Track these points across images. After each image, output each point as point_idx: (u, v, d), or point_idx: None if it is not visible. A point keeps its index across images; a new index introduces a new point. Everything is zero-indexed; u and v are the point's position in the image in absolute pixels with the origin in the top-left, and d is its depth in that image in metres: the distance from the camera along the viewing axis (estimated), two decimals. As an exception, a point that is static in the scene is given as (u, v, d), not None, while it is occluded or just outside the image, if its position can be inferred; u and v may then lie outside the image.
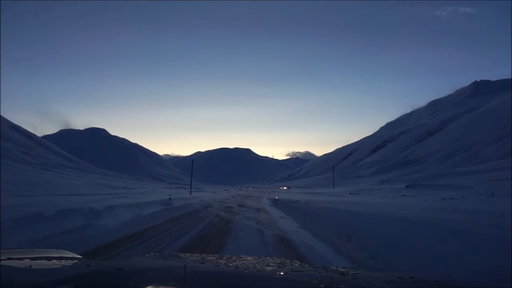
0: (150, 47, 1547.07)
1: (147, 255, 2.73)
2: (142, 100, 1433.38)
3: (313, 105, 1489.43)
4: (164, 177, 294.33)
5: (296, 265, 2.24)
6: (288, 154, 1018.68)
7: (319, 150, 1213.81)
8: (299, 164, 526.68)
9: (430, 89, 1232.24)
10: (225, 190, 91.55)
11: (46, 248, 2.40)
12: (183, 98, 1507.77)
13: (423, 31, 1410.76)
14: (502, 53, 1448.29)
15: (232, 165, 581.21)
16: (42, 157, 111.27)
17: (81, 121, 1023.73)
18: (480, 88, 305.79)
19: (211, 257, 2.44)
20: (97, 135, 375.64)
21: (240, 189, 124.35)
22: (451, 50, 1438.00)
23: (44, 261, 1.98)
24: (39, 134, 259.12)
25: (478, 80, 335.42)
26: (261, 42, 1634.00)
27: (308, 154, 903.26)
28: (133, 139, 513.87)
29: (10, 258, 1.90)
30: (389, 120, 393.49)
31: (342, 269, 1.95)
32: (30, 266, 1.74)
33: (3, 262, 1.78)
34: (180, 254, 2.68)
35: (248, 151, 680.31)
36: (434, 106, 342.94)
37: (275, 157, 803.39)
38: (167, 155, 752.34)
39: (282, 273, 1.90)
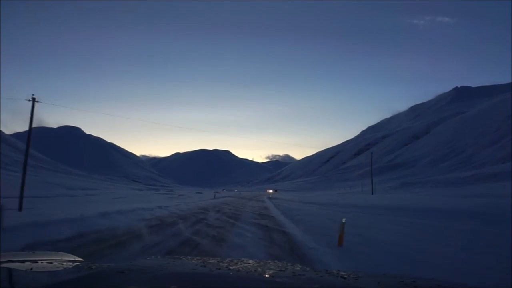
0: (130, 47, 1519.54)
1: (148, 258, 2.65)
2: (121, 99, 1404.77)
3: (293, 109, 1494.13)
4: (140, 178, 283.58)
5: (298, 268, 2.21)
6: (268, 157, 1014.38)
7: (298, 154, 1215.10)
8: (279, 167, 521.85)
9: (409, 94, 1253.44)
10: (197, 192, 72.89)
11: (47, 251, 2.39)
12: (162, 99, 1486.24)
13: (402, 38, 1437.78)
14: (479, 61, 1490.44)
15: (211, 167, 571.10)
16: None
17: (54, 119, 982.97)
18: (461, 94, 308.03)
19: (213, 260, 2.41)
20: (71, 134, 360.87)
21: (216, 192, 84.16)
22: (430, 57, 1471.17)
23: (45, 264, 1.98)
24: (9, 131, 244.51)
25: (459, 86, 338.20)
26: (242, 45, 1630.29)
27: (287, 157, 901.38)
28: (109, 139, 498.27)
29: (11, 261, 1.90)
30: (369, 125, 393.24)
31: (343, 273, 1.94)
32: (31, 269, 1.74)
33: (4, 265, 1.78)
34: (181, 257, 2.66)
35: (227, 153, 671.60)
36: (415, 111, 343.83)
37: (255, 160, 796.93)
38: (144, 156, 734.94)
39: (284, 277, 1.88)
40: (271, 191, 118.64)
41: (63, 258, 2.23)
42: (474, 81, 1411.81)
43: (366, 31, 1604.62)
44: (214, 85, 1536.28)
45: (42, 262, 1.99)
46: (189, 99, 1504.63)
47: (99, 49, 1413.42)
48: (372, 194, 53.25)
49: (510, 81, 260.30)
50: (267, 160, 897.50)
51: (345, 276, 1.84)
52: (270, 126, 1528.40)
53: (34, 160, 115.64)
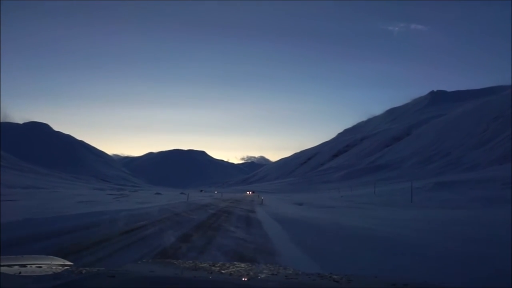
0: (104, 45, 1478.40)
1: (139, 262, 2.67)
2: (93, 97, 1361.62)
3: (268, 110, 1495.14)
4: (110, 178, 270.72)
5: (290, 272, 2.23)
6: (243, 158, 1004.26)
7: (274, 155, 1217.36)
8: (255, 169, 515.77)
9: (385, 98, 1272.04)
10: (157, 193, 60.70)
11: (36, 255, 2.34)
12: (136, 98, 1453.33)
13: (377, 43, 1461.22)
14: (453, 67, 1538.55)
15: (186, 167, 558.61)
16: None
17: (20, 115, 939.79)
18: (437, 98, 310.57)
19: (204, 264, 2.39)
20: (38, 130, 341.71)
21: (182, 193, 70.42)
22: (405, 62, 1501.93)
23: (34, 268, 1.92)
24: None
25: (435, 90, 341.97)
26: (217, 45, 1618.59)
27: (263, 159, 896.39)
28: (80, 137, 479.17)
29: None
30: (346, 127, 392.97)
31: (335, 276, 1.93)
32: (20, 273, 1.69)
33: None
34: (173, 261, 2.67)
35: (203, 153, 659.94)
36: (392, 114, 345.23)
37: (230, 161, 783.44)
38: (116, 155, 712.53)
39: (276, 281, 1.90)
40: (249, 192, 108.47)
41: (53, 262, 2.14)
42: (449, 86, 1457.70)
43: (342, 35, 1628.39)
44: (190, 85, 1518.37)
45: (31, 267, 1.92)
46: (164, 98, 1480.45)
47: (71, 44, 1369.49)
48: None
49: (485, 86, 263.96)
50: (243, 161, 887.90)
51: (338, 280, 1.82)
52: (245, 127, 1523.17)
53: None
